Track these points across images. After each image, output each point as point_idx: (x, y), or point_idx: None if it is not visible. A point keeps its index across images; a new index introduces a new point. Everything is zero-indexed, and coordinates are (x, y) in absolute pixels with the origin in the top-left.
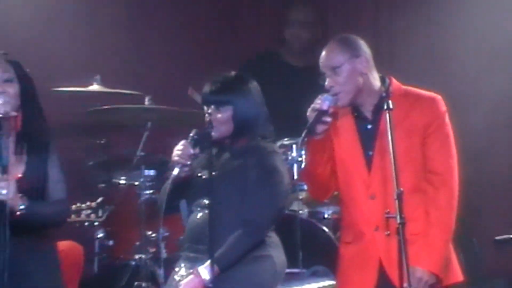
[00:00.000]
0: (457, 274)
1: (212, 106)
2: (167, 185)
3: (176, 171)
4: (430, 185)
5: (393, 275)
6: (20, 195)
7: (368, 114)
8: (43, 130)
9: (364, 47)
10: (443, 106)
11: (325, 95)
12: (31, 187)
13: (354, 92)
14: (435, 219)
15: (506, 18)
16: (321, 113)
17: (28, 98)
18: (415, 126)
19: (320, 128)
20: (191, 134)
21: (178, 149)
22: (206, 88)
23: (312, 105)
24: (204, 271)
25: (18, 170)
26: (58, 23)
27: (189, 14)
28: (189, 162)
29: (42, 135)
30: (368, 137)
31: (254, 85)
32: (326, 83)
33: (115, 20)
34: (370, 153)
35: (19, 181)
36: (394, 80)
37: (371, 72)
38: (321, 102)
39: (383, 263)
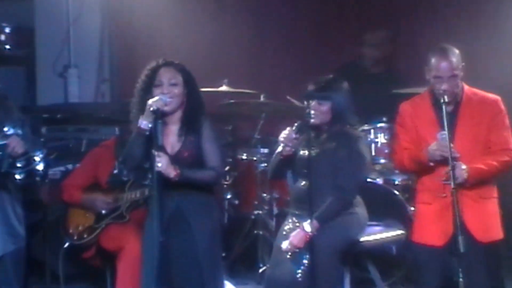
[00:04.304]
0: (500, 233)
1: (316, 100)
2: (274, 158)
3: (280, 148)
4: (493, 154)
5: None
6: (173, 166)
7: (447, 107)
8: (198, 118)
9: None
10: (502, 105)
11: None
12: (187, 159)
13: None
14: (495, 161)
15: None
16: None
17: (191, 96)
18: (482, 118)
19: None
20: (295, 124)
21: (284, 133)
22: (311, 87)
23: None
24: (308, 226)
25: (176, 148)
26: (195, 38)
27: (294, 34)
28: (290, 144)
29: (198, 122)
30: (447, 125)
31: (345, 85)
32: (443, 86)
33: (237, 37)
34: (449, 136)
35: (176, 156)
36: (464, 84)
37: None
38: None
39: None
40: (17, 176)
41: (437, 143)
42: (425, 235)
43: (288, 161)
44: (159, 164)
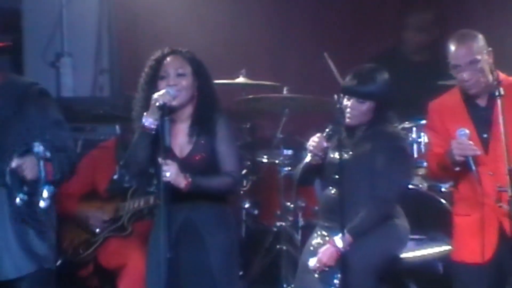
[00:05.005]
0: None
1: (355, 98)
2: (300, 167)
3: (308, 158)
4: None
5: None
6: (183, 174)
7: (481, 102)
8: (212, 115)
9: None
10: None
11: None
12: (199, 164)
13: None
14: None
15: None
16: None
17: (203, 89)
18: None
19: None
20: (326, 130)
21: (314, 141)
22: (350, 81)
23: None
24: (339, 240)
25: (186, 151)
26: (208, 22)
27: (324, 15)
28: (320, 153)
29: (211, 120)
30: (482, 122)
31: (387, 77)
32: (464, 76)
33: (256, 20)
34: (485, 135)
35: (185, 159)
36: (500, 73)
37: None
38: None
39: (504, 228)
40: (17, 200)
41: (456, 141)
42: (464, 252)
43: (317, 167)
44: (167, 174)
